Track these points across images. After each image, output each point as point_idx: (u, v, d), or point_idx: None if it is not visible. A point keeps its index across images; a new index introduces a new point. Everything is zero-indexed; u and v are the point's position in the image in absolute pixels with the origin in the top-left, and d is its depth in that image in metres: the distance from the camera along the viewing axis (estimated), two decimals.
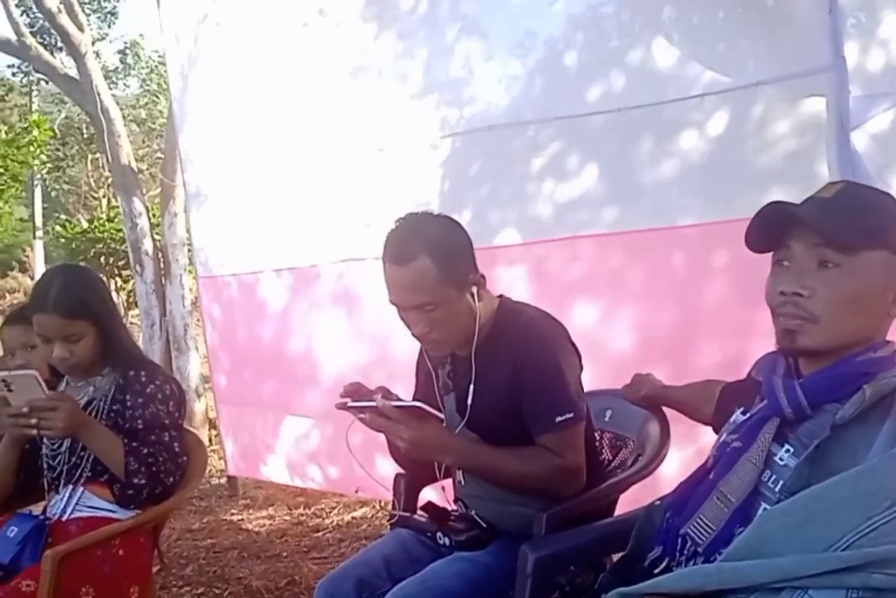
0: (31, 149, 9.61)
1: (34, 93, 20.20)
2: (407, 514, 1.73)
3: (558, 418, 1.51)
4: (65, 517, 1.88)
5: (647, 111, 2.57)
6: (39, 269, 18.28)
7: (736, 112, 2.40)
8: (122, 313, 8.38)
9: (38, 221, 19.24)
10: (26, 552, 1.79)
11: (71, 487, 1.91)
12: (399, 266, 1.50)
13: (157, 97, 16.77)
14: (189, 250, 5.06)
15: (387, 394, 1.52)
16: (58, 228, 12.13)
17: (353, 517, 3.57)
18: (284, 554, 3.17)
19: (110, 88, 6.00)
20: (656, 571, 1.08)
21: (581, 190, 2.73)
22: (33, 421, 1.77)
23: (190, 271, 5.39)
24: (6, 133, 9.91)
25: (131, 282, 7.80)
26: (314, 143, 3.43)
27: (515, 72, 2.83)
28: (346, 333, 3.36)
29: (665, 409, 1.79)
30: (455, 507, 1.70)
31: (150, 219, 5.50)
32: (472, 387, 1.59)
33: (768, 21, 2.35)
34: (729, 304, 2.42)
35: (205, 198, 4.05)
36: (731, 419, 1.17)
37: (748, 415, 1.12)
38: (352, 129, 3.31)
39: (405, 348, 3.17)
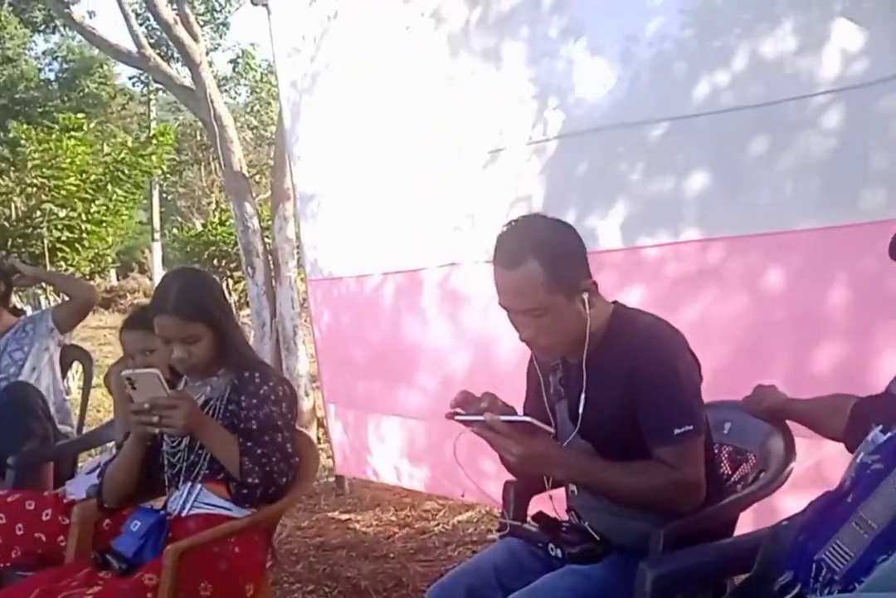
0: (154, 159, 10.02)
1: (152, 102, 21.17)
2: (517, 523, 1.71)
3: (676, 431, 1.46)
4: (184, 513, 1.94)
5: (761, 110, 2.47)
6: (157, 270, 19.12)
7: (858, 110, 2.28)
8: (235, 313, 8.66)
9: (156, 223, 20.18)
10: (148, 546, 1.85)
11: (189, 484, 1.97)
12: (507, 270, 1.49)
13: (269, 105, 17.29)
14: (298, 253, 5.18)
15: (493, 400, 1.51)
16: (174, 231, 12.76)
17: (459, 521, 3.58)
18: (391, 555, 3.20)
19: (222, 96, 6.20)
20: (787, 597, 1.02)
21: (690, 193, 2.65)
22: (154, 419, 1.84)
23: (299, 274, 5.52)
24: (131, 142, 10.38)
25: (242, 283, 8.06)
26: (421, 146, 3.46)
27: (622, 72, 2.76)
28: (451, 336, 3.37)
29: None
30: (567, 517, 1.67)
31: (260, 223, 5.66)
32: (583, 395, 1.56)
33: (890, 12, 2.22)
34: (847, 315, 2.30)
35: (315, 202, 4.13)
36: (869, 438, 1.10)
37: (889, 434, 1.05)
38: (458, 131, 3.31)
39: (509, 352, 3.17)
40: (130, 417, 1.87)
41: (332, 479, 4.36)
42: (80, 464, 3.02)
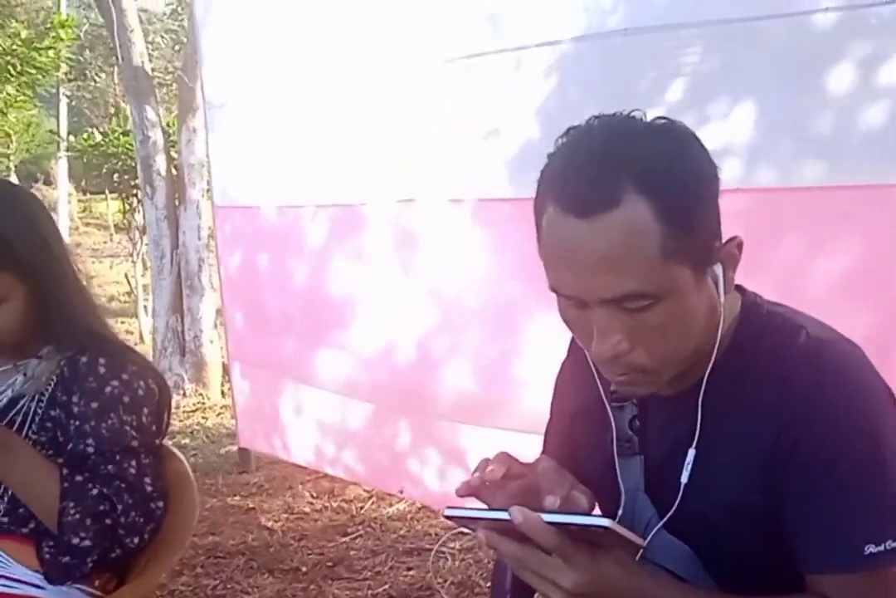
0: (52, 54, 8.73)
1: None
2: None
3: (870, 549, 0.76)
4: None
5: (860, 15, 1.76)
6: (63, 182, 17.56)
7: None
8: (136, 238, 7.65)
9: (63, 132, 18.49)
10: None
11: None
12: (584, 219, 0.73)
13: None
14: (208, 174, 4.31)
15: (554, 479, 0.78)
16: (76, 140, 11.49)
17: (389, 517, 2.89)
18: (304, 569, 2.49)
19: None
20: None
21: (745, 128, 1.92)
22: None
23: (209, 198, 4.65)
24: (25, 34, 9.04)
25: None
26: (373, 48, 2.63)
27: None
28: (400, 291, 2.61)
29: None
30: None
31: (165, 135, 4.73)
32: (692, 453, 0.84)
33: None
34: None
35: (227, 113, 3.27)
36: None
37: None
38: (419, 30, 2.52)
39: (477, 318, 2.45)
40: None
41: (233, 449, 3.62)
42: None
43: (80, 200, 23.10)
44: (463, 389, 2.37)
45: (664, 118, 0.80)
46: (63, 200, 17.73)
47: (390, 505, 3.00)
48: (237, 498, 3.14)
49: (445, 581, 2.37)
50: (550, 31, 2.22)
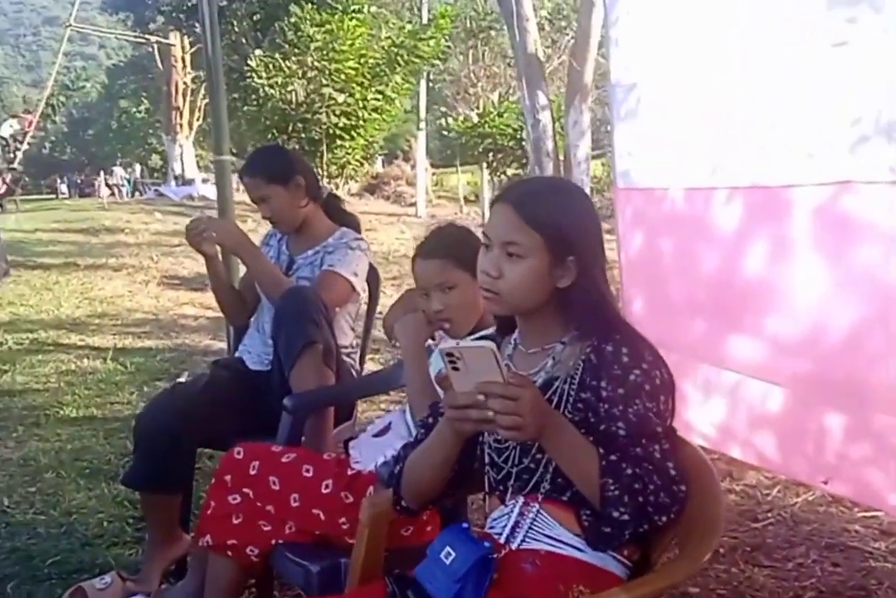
0: (433, 44, 9.47)
1: None
2: None
3: None
4: (514, 544, 1.37)
5: None
6: (420, 159, 19.07)
7: None
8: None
9: (422, 112, 20.03)
10: (467, 592, 1.31)
11: (521, 500, 1.40)
12: None
13: None
14: (610, 155, 4.44)
15: None
16: (448, 121, 12.44)
17: (798, 507, 2.82)
18: (721, 551, 2.53)
19: None
20: None
21: None
22: (489, 414, 1.24)
23: (593, 178, 4.80)
24: (410, 27, 9.90)
25: None
26: (798, 21, 2.52)
27: None
28: (830, 280, 2.50)
29: None
30: None
31: (552, 116, 4.94)
32: None
33: None
34: None
35: (634, 96, 3.31)
36: None
37: None
38: None
39: None
40: (449, 411, 1.29)
41: None
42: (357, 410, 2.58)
43: (432, 174, 24.91)
44: None
45: None
46: (420, 176, 19.28)
47: (797, 495, 2.93)
48: None
49: (881, 584, 2.27)
50: None
